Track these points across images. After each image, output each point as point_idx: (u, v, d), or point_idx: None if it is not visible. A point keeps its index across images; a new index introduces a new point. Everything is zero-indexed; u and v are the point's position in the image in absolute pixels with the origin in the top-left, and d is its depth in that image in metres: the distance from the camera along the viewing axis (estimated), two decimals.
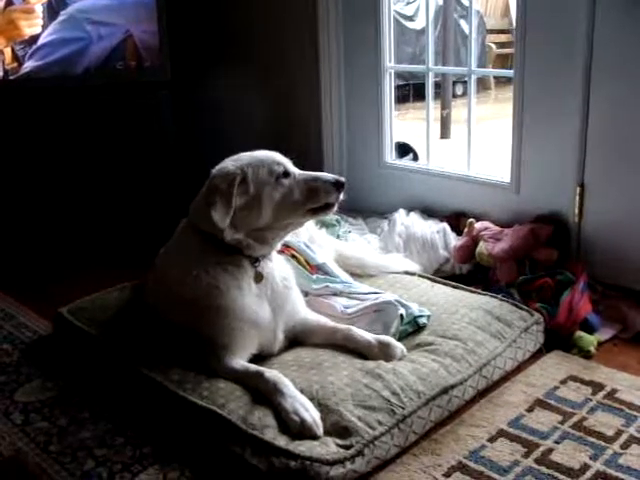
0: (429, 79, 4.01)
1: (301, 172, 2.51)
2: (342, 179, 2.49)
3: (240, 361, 2.41)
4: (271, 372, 2.32)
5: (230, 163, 2.47)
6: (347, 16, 4.07)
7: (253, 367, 2.38)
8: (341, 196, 2.49)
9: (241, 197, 2.39)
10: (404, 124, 6.74)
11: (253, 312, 2.45)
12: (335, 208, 2.52)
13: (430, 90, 4.04)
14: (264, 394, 2.26)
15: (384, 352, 2.49)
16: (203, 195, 2.46)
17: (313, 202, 2.47)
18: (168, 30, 4.31)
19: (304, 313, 2.66)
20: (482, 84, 9.25)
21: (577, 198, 3.31)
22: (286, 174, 2.46)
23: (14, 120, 4.01)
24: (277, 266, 2.60)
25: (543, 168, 3.43)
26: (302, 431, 2.12)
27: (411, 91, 8.96)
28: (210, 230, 2.41)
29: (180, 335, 2.50)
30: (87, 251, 4.05)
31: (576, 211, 3.32)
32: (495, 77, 9.75)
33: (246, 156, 2.50)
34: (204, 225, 2.43)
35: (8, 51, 4.03)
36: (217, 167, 2.49)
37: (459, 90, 9.48)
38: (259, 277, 2.50)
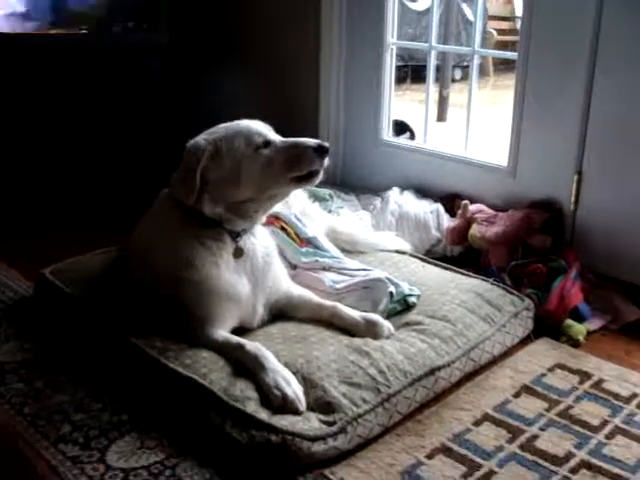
0: (431, 58, 3.95)
1: (283, 139, 2.41)
2: (326, 144, 2.38)
3: (221, 332, 2.36)
4: (252, 344, 2.27)
5: (202, 137, 2.39)
6: None
7: (235, 339, 2.33)
8: (326, 162, 2.39)
9: (217, 171, 2.33)
10: (401, 105, 6.69)
11: (230, 287, 2.39)
12: (320, 175, 2.42)
13: (431, 69, 3.98)
14: (245, 367, 2.22)
15: (371, 330, 2.45)
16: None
17: (296, 170, 2.37)
18: None
19: (287, 287, 2.61)
20: (481, 70, 9.20)
21: (574, 185, 3.27)
22: (266, 143, 2.37)
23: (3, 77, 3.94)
24: (260, 241, 2.53)
25: (541, 153, 3.39)
26: (284, 406, 2.08)
27: (409, 72, 8.90)
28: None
29: (161, 303, 2.45)
30: (73, 213, 3.99)
31: (572, 199, 3.29)
32: (494, 64, 9.70)
33: (222, 128, 2.42)
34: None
35: None
36: (191, 141, 2.40)
37: (457, 75, 9.44)
38: (239, 252, 2.43)
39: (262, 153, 2.36)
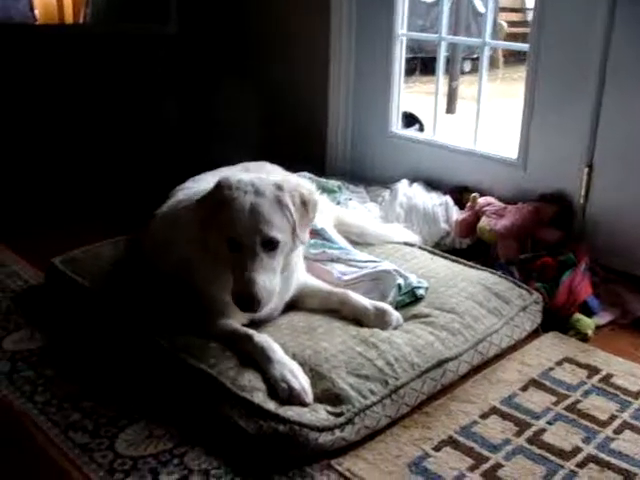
0: (441, 49, 3.93)
1: (253, 256, 2.19)
2: (254, 303, 2.17)
3: (231, 322, 2.36)
4: (260, 336, 2.27)
5: (235, 180, 2.30)
6: None
7: (243, 330, 2.33)
8: (247, 314, 2.32)
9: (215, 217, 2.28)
10: (410, 97, 6.69)
11: None
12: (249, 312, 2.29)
13: (441, 60, 3.97)
14: (253, 358, 2.22)
15: (380, 318, 2.45)
16: None
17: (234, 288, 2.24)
18: None
19: (304, 280, 2.60)
20: (490, 63, 9.17)
21: (584, 179, 3.26)
22: (236, 246, 2.22)
23: (16, 66, 3.94)
24: None
25: (552, 146, 3.38)
26: (290, 399, 2.09)
27: (418, 64, 8.89)
28: None
29: (175, 291, 2.46)
30: (84, 202, 4.00)
31: (582, 192, 3.28)
32: (504, 56, 9.67)
33: (248, 185, 2.28)
34: None
35: None
36: (226, 177, 2.34)
37: (467, 67, 9.42)
38: None
39: (224, 249, 2.26)
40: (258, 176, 2.38)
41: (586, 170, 3.25)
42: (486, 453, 2.08)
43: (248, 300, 2.18)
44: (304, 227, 2.35)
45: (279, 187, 2.30)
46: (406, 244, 3.17)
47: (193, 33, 4.64)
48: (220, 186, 2.31)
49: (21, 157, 4.03)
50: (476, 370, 2.49)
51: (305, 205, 2.35)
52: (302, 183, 2.53)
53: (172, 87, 4.44)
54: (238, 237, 2.22)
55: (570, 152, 3.30)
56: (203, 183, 2.67)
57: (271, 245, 2.23)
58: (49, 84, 4.03)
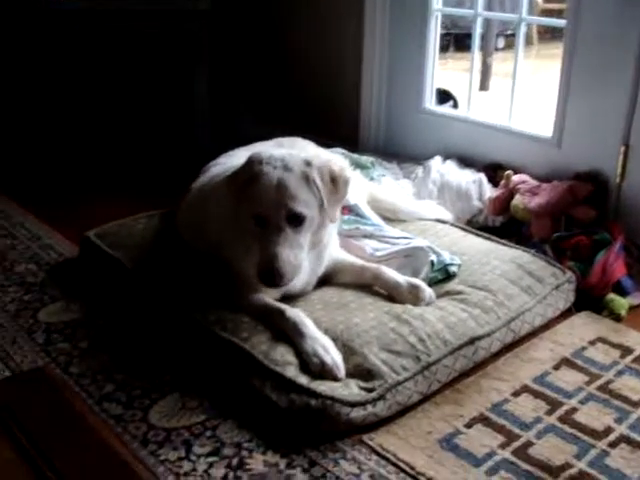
0: (476, 25, 3.88)
1: (279, 240, 2.18)
2: (277, 277, 2.17)
3: (263, 297, 2.37)
4: (292, 311, 2.28)
5: (266, 156, 2.29)
6: None
7: (275, 305, 2.34)
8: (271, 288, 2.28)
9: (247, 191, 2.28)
10: (443, 74, 6.63)
11: None
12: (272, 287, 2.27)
13: (477, 36, 3.91)
14: (285, 333, 2.23)
15: (412, 294, 2.44)
16: None
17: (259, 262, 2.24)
18: None
19: (336, 255, 2.60)
20: (525, 39, 9.06)
21: (621, 158, 3.21)
22: (261, 221, 2.23)
23: (49, 43, 3.96)
24: None
25: (588, 125, 3.32)
26: (322, 374, 2.09)
27: (452, 41, 8.79)
28: None
29: (206, 263, 2.49)
30: (118, 176, 4.03)
31: (618, 171, 3.22)
32: (539, 32, 9.51)
33: (278, 160, 2.27)
34: None
35: None
36: (258, 152, 2.34)
37: (500, 43, 9.28)
38: None
39: (250, 224, 2.26)
40: (289, 152, 2.38)
41: (623, 149, 3.20)
42: (517, 431, 2.07)
43: (272, 274, 2.18)
44: (334, 204, 2.34)
45: (308, 163, 2.29)
46: (439, 221, 3.16)
47: (226, 9, 4.63)
48: (251, 161, 2.31)
49: (57, 130, 4.06)
50: (508, 348, 2.48)
51: (335, 182, 2.33)
52: (334, 159, 2.53)
53: (204, 62, 4.44)
54: (264, 211, 2.22)
55: (607, 130, 3.24)
56: (236, 159, 2.68)
57: (297, 220, 2.22)
58: (82, 58, 4.05)
